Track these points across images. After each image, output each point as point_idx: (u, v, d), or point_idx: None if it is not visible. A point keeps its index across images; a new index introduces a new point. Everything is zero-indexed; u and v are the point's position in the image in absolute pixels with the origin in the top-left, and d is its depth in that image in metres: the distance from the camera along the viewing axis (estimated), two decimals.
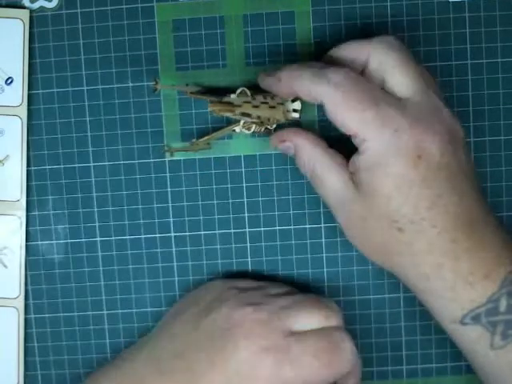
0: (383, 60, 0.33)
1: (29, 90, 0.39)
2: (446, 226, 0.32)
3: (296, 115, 0.37)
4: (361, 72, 0.34)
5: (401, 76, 0.33)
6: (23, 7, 0.39)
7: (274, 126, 0.38)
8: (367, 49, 0.34)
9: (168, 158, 0.39)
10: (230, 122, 0.38)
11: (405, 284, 0.35)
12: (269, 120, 0.37)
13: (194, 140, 0.38)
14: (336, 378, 0.34)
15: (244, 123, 0.37)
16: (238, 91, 0.37)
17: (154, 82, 0.37)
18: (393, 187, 0.32)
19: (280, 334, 0.34)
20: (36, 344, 0.41)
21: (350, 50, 0.35)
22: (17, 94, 0.39)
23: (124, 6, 0.39)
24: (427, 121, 0.32)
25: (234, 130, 0.38)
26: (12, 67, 0.39)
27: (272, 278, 0.40)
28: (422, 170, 0.32)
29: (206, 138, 0.38)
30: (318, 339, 0.34)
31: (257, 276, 0.40)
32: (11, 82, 0.39)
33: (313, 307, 0.35)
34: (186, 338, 0.35)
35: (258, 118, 0.36)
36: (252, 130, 0.38)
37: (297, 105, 0.37)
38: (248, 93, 0.37)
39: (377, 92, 0.33)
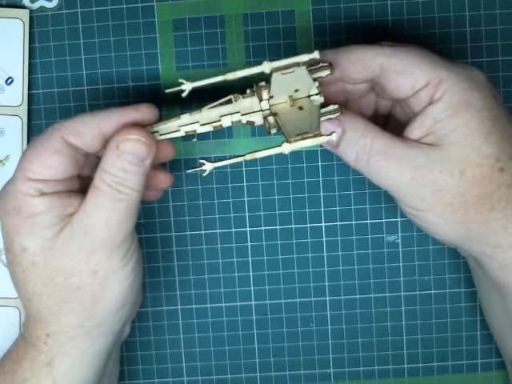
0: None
1: (29, 89, 0.39)
2: None
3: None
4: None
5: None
6: (23, 7, 0.39)
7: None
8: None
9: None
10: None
11: (483, 260, 0.34)
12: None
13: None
14: None
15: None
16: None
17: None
18: (488, 122, 0.31)
19: None
20: None
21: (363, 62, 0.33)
22: (17, 94, 0.39)
23: (124, 6, 0.39)
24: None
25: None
26: (12, 67, 0.39)
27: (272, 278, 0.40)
28: (500, 101, 0.31)
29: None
30: None
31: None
32: (11, 81, 0.39)
33: None
34: None
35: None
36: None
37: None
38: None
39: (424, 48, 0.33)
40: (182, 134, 0.32)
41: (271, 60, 0.30)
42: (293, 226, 0.40)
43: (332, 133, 0.29)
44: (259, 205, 0.40)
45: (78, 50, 0.39)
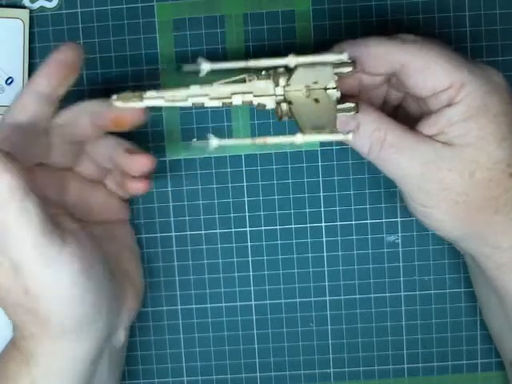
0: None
1: None
2: None
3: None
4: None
5: None
6: (23, 7, 0.39)
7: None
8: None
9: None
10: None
11: (481, 260, 0.34)
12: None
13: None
14: None
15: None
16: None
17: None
18: (504, 127, 0.31)
19: None
20: None
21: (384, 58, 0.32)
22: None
23: (124, 6, 0.39)
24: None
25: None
26: (12, 67, 0.39)
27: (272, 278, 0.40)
28: None
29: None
30: None
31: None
32: (11, 82, 0.39)
33: None
34: None
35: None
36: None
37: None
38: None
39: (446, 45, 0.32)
40: (189, 104, 0.31)
41: (297, 55, 0.29)
42: (293, 226, 0.40)
43: (349, 132, 0.29)
44: (259, 205, 0.40)
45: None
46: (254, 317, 0.41)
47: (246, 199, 0.40)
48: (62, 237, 0.31)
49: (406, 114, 0.35)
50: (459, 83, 0.30)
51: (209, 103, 0.31)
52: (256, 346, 0.41)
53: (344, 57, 0.30)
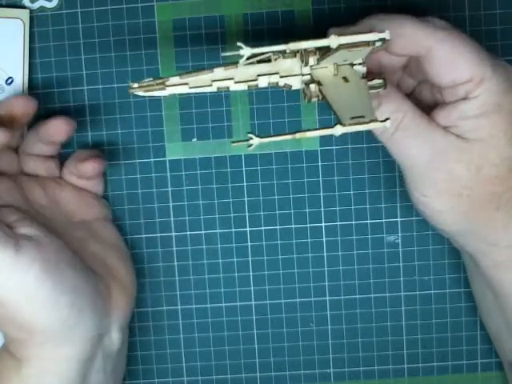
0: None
1: (29, 89, 0.39)
2: None
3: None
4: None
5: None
6: (23, 7, 0.39)
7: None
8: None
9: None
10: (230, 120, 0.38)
11: (478, 257, 0.34)
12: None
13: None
14: None
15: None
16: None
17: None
18: None
19: None
20: None
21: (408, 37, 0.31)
22: (17, 94, 0.39)
23: (124, 6, 0.39)
24: None
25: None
26: (12, 67, 0.39)
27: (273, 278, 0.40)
28: None
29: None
30: None
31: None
32: (11, 82, 0.39)
33: None
34: None
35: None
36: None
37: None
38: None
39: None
40: (214, 89, 0.30)
41: (339, 34, 0.28)
42: (293, 226, 0.40)
43: (386, 119, 0.28)
44: (259, 205, 0.40)
45: (78, 50, 0.39)
46: (254, 317, 0.41)
47: (245, 199, 0.40)
48: (17, 243, 0.31)
49: (416, 103, 0.35)
50: (479, 78, 0.30)
51: (234, 87, 0.30)
52: (256, 346, 0.41)
53: (386, 35, 0.28)
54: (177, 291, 0.41)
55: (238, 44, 0.27)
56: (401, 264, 0.40)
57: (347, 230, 0.40)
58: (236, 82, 0.30)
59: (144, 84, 0.29)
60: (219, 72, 0.29)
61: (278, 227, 0.40)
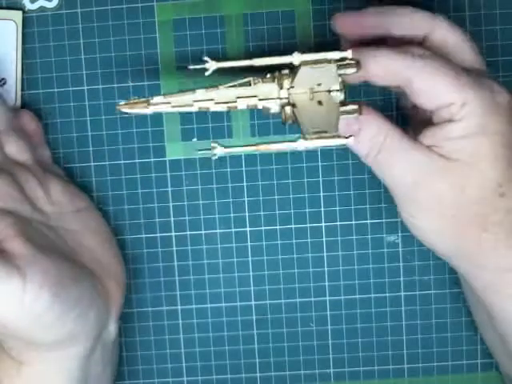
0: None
1: (29, 90, 0.39)
2: None
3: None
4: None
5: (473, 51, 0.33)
6: (20, 8, 0.39)
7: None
8: (431, 23, 0.32)
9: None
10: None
11: (469, 279, 0.34)
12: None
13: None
14: None
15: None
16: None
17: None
18: (499, 147, 0.31)
19: None
20: None
21: (412, 21, 0.33)
22: (10, 96, 0.39)
23: (124, 6, 0.39)
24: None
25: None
26: (5, 69, 0.39)
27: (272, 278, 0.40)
28: None
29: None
30: None
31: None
32: (4, 83, 0.39)
33: None
34: None
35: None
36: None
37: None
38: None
39: (453, 62, 0.32)
40: (195, 109, 0.31)
41: (302, 52, 0.29)
42: (293, 226, 0.40)
43: (350, 136, 0.29)
44: (259, 205, 0.40)
45: (78, 50, 0.39)
46: (254, 317, 0.41)
47: (245, 199, 0.40)
48: (19, 270, 0.30)
49: (418, 120, 0.35)
50: (461, 102, 0.30)
51: (214, 108, 0.31)
52: (256, 346, 0.41)
53: (348, 54, 0.30)
54: (177, 291, 0.41)
55: (204, 58, 0.29)
56: (401, 264, 0.40)
57: (347, 230, 0.40)
58: (216, 103, 0.31)
59: (130, 102, 0.31)
60: (201, 93, 0.31)
61: (277, 227, 0.40)
